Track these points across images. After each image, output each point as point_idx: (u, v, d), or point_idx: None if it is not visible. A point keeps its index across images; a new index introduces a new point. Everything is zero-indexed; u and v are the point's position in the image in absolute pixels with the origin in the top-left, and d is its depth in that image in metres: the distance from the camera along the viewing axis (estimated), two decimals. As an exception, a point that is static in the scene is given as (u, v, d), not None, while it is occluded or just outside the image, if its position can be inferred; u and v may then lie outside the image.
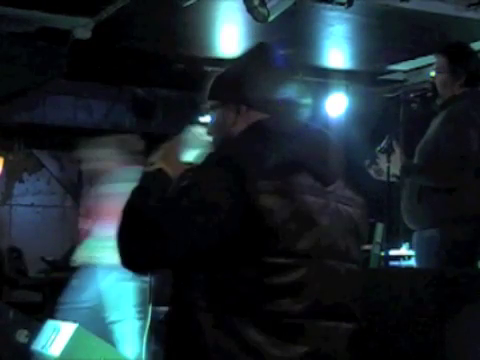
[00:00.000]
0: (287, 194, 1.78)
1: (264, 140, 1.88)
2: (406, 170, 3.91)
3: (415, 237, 3.99)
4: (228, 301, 1.77)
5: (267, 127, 1.91)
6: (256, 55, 2.04)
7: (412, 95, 4.15)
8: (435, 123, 3.93)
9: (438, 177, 3.79)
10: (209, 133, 2.07)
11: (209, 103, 2.05)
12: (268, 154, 1.83)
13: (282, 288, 1.76)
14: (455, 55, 3.91)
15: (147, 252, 1.78)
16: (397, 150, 3.96)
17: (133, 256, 1.81)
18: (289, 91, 1.99)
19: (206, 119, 2.09)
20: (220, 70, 2.10)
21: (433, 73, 4.02)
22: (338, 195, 1.91)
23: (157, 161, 2.01)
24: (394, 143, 3.96)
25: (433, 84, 3.94)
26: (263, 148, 1.85)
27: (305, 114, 2.01)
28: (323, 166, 1.90)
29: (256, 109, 1.95)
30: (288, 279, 1.76)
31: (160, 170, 1.96)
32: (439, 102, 3.94)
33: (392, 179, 4.04)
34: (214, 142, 2.04)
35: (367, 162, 4.10)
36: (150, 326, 2.62)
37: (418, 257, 4.06)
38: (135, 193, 1.89)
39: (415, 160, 3.95)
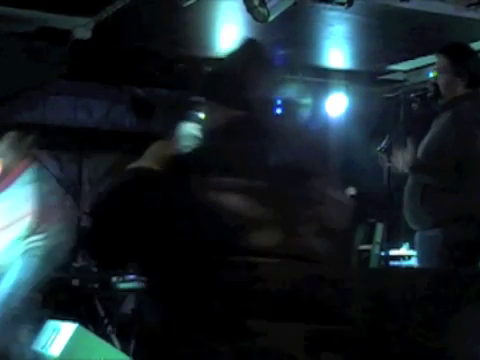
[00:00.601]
0: (248, 192, 1.78)
1: (235, 138, 1.88)
2: (413, 168, 3.91)
3: (417, 237, 3.99)
4: (181, 300, 1.78)
5: (242, 125, 1.91)
6: (239, 53, 2.04)
7: (412, 95, 4.15)
8: (438, 124, 3.93)
9: (443, 176, 3.79)
10: (200, 130, 2.08)
11: (198, 100, 2.07)
12: (236, 152, 1.84)
13: (235, 287, 1.75)
14: (458, 56, 3.91)
15: (107, 251, 1.86)
16: (410, 146, 3.95)
17: (98, 256, 1.90)
18: (269, 89, 1.98)
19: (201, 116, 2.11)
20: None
21: (432, 74, 4.02)
22: (315, 194, 1.89)
23: (144, 158, 2.02)
24: (408, 139, 3.96)
25: (435, 85, 3.93)
26: (232, 146, 1.86)
27: (284, 111, 2.01)
28: (296, 164, 1.89)
29: (235, 107, 1.96)
30: (241, 278, 1.75)
31: (142, 167, 1.98)
32: (441, 103, 3.94)
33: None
34: (201, 139, 2.06)
35: (383, 146, 4.05)
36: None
37: (420, 257, 4.05)
38: (108, 192, 1.92)
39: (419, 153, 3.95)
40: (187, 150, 1.98)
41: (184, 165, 1.82)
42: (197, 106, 2.09)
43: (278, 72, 2.06)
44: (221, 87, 2.00)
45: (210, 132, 1.97)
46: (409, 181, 3.96)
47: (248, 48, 2.06)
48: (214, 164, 1.81)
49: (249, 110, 1.95)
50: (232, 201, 1.77)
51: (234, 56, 2.06)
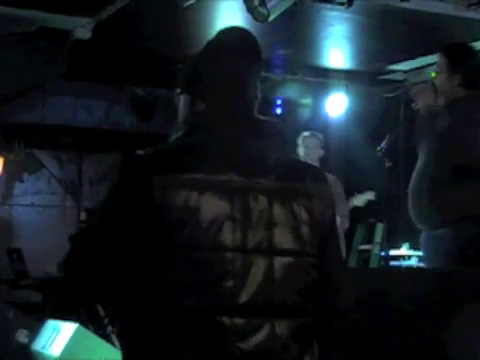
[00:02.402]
0: (198, 189, 1.75)
1: (193, 134, 1.86)
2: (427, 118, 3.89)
3: (423, 237, 3.99)
4: (140, 299, 1.77)
5: (200, 121, 1.89)
6: (209, 43, 2.01)
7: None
8: (440, 123, 3.92)
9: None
10: (177, 125, 2.06)
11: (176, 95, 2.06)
12: (194, 149, 1.81)
13: (191, 285, 1.73)
14: (455, 56, 3.91)
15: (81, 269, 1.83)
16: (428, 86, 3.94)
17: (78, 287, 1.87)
18: (236, 82, 1.94)
19: None
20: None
21: (434, 73, 4.02)
22: (278, 188, 1.84)
23: None
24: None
25: (433, 84, 3.94)
26: (188, 142, 1.84)
27: (249, 103, 1.95)
28: (254, 161, 1.84)
29: (201, 100, 1.93)
30: (197, 276, 1.73)
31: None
32: (441, 102, 3.94)
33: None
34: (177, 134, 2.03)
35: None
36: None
37: (427, 257, 4.04)
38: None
39: (419, 159, 3.95)
40: (154, 149, 1.95)
41: (148, 165, 1.80)
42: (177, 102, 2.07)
43: (259, 64, 2.00)
44: (192, 80, 1.97)
45: (183, 125, 1.95)
46: (414, 181, 3.95)
47: (213, 40, 2.02)
48: (180, 161, 1.79)
49: (217, 103, 1.92)
50: (199, 198, 1.75)
51: (209, 46, 2.03)
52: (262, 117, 1.94)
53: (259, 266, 1.78)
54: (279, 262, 1.80)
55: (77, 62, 6.75)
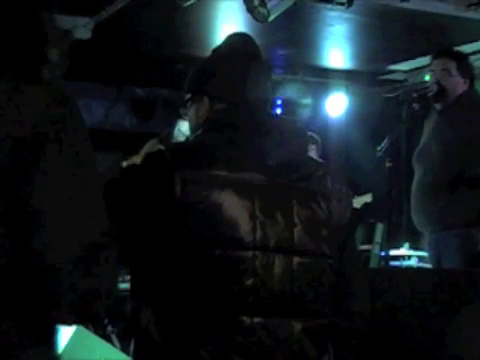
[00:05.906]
0: (219, 186, 1.75)
1: (213, 132, 1.86)
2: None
3: (429, 237, 3.99)
4: (160, 293, 1.77)
5: (220, 119, 1.89)
6: (218, 47, 2.03)
7: (415, 95, 4.13)
8: (445, 121, 3.94)
9: None
10: (189, 125, 2.07)
11: (186, 97, 2.06)
12: (213, 147, 1.82)
13: (210, 283, 1.73)
14: (462, 58, 3.98)
15: None
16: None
17: None
18: (250, 81, 1.95)
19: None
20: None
21: (428, 77, 4.06)
22: (298, 188, 1.85)
23: (136, 156, 2.02)
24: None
25: (439, 84, 3.93)
26: (210, 140, 1.84)
27: (265, 104, 1.97)
28: (276, 160, 1.84)
29: (218, 100, 1.94)
30: (217, 274, 1.73)
31: (134, 165, 1.98)
32: (445, 103, 3.95)
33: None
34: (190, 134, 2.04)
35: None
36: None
37: (434, 258, 4.04)
38: None
39: (424, 156, 3.96)
40: (176, 145, 1.95)
41: (170, 160, 1.81)
42: (186, 102, 2.08)
43: (267, 66, 2.02)
44: (206, 80, 1.98)
45: (197, 126, 1.96)
46: (420, 182, 3.94)
47: (226, 42, 2.03)
48: (202, 158, 1.80)
49: (234, 102, 1.92)
50: (220, 195, 1.75)
51: (214, 50, 2.05)
52: (283, 116, 1.95)
53: (279, 265, 1.78)
54: (298, 262, 1.81)
55: (77, 62, 6.73)
